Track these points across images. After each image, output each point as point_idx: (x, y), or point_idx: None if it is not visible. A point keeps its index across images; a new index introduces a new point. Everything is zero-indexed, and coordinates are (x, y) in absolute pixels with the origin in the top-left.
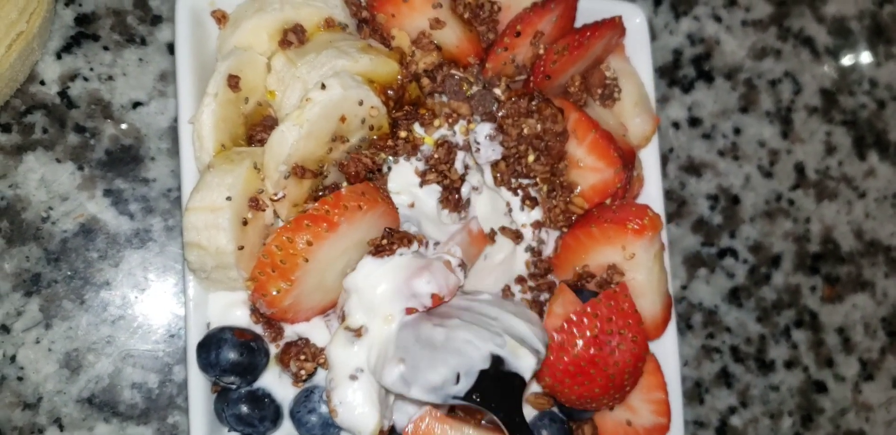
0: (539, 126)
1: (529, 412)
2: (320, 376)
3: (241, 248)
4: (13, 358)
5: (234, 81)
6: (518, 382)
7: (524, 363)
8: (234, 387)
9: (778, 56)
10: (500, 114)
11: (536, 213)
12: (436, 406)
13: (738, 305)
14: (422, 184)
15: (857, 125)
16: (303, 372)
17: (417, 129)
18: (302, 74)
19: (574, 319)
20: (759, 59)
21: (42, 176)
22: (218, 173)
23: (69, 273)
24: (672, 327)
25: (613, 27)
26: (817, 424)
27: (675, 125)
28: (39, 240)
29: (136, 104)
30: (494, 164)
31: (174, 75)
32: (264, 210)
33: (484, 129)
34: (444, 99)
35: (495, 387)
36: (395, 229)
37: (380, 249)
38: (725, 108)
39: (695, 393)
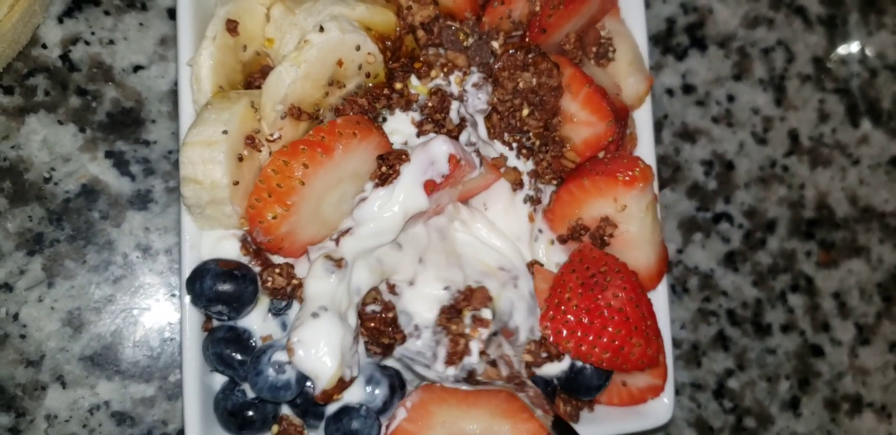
0: (535, 80)
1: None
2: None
3: (237, 183)
4: (16, 316)
5: (232, 26)
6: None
7: None
8: (225, 319)
9: (770, 25)
10: (496, 66)
11: (532, 164)
12: None
13: (734, 269)
14: (419, 134)
15: (849, 93)
16: (269, 282)
17: (413, 81)
18: (299, 21)
19: (558, 280)
20: (751, 28)
21: (44, 137)
22: (215, 110)
23: (71, 233)
24: (664, 282)
25: None
26: (814, 388)
27: (669, 92)
28: (42, 200)
29: (137, 68)
30: (488, 117)
31: (174, 40)
32: (260, 150)
33: (472, 78)
34: (441, 51)
35: None
36: (386, 152)
37: (384, 176)
38: (719, 76)
39: (692, 356)
